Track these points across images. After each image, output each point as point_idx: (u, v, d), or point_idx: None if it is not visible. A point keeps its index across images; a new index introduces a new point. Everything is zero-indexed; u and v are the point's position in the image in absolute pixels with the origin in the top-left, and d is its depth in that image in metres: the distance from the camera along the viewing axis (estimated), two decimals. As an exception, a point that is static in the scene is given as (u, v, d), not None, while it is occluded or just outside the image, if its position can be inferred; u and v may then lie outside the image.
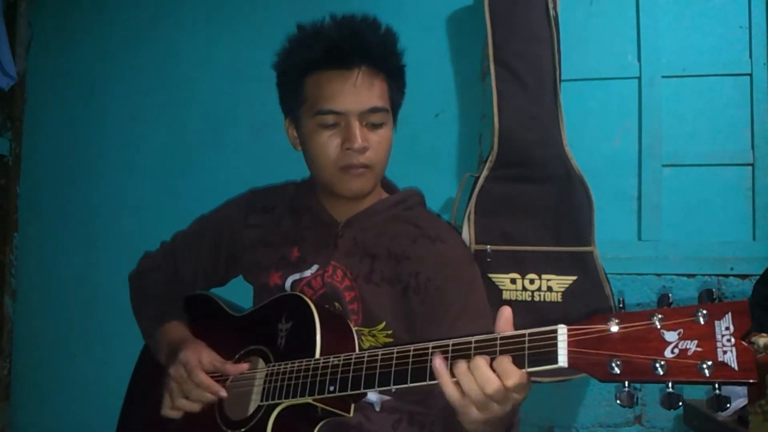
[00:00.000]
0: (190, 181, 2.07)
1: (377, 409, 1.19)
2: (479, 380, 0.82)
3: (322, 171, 1.21)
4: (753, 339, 1.32)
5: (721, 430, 1.44)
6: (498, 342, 0.83)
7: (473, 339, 0.85)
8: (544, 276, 1.66)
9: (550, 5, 1.71)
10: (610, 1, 1.90)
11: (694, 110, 1.85)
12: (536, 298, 1.65)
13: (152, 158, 2.11)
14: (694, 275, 1.80)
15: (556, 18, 1.73)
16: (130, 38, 2.15)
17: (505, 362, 0.81)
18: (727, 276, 1.79)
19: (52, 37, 2.21)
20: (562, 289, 1.65)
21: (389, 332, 1.20)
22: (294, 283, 1.25)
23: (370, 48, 1.18)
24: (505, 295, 1.66)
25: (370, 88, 1.17)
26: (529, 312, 1.64)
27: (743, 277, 1.78)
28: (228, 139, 2.07)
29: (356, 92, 1.16)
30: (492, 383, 0.82)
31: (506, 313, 0.87)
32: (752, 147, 1.82)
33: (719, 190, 1.83)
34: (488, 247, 1.68)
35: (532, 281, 1.66)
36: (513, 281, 1.67)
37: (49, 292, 2.15)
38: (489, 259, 1.67)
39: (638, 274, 1.82)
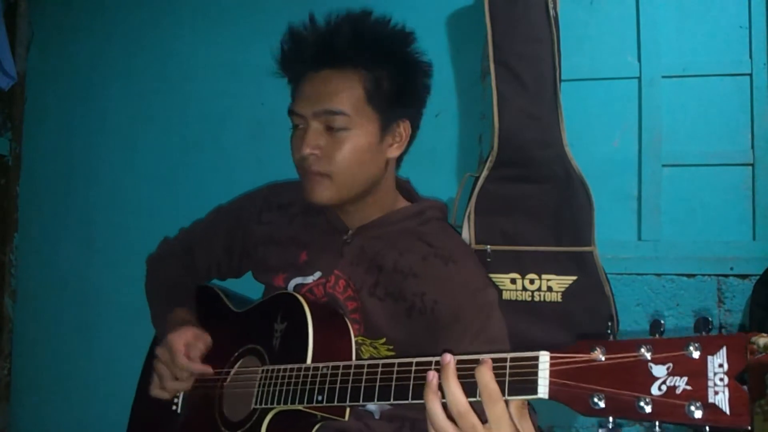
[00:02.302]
0: (189, 181, 2.07)
1: (376, 417, 1.18)
2: (448, 398, 0.76)
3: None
4: (753, 339, 1.32)
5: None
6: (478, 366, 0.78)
7: (456, 359, 0.80)
8: (544, 276, 1.66)
9: (550, 5, 1.71)
10: (610, 1, 1.90)
11: (694, 110, 1.84)
12: (536, 298, 1.65)
13: (152, 158, 2.11)
14: (693, 275, 1.80)
15: (556, 18, 1.73)
16: (130, 38, 2.15)
17: (485, 373, 0.74)
18: (727, 276, 1.79)
19: (52, 37, 2.21)
20: (562, 289, 1.65)
21: (390, 346, 1.18)
22: (297, 287, 1.23)
23: (339, 45, 1.12)
24: (505, 295, 1.66)
25: (332, 88, 1.12)
26: (529, 312, 1.64)
27: (743, 277, 1.78)
28: (228, 139, 2.07)
29: (317, 91, 1.13)
30: (459, 404, 0.75)
31: None
32: (752, 147, 1.81)
33: (719, 190, 1.83)
34: (488, 247, 1.68)
35: (532, 281, 1.66)
36: (513, 281, 1.67)
37: (49, 292, 2.15)
38: (489, 259, 1.67)
39: (638, 274, 1.82)
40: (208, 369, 1.17)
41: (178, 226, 1.48)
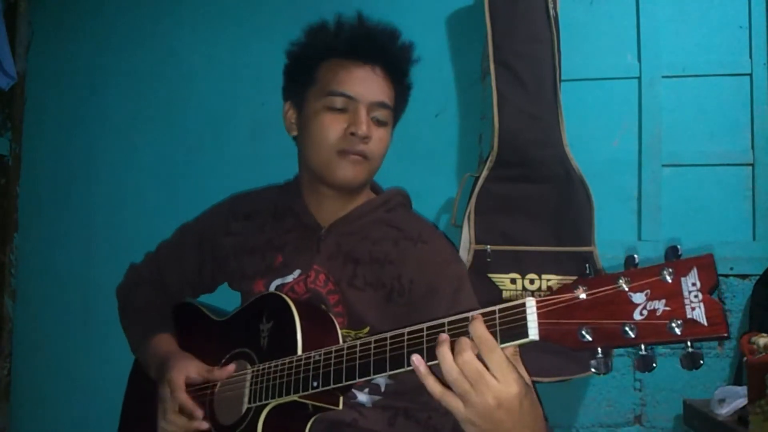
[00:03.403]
0: (189, 181, 2.07)
1: (368, 406, 1.19)
2: (448, 356, 0.81)
3: (318, 153, 1.20)
4: (753, 339, 1.32)
5: (721, 430, 1.44)
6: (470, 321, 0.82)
7: (446, 321, 0.85)
8: (544, 276, 1.66)
9: (550, 5, 1.71)
10: (610, 1, 1.90)
11: (694, 110, 1.85)
12: (536, 298, 1.65)
13: (152, 158, 2.11)
14: (694, 275, 1.80)
15: (556, 18, 1.73)
16: (130, 38, 2.15)
17: (477, 326, 0.79)
18: (727, 276, 1.79)
19: (52, 37, 2.21)
20: (562, 289, 1.65)
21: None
22: (278, 288, 1.25)
23: (389, 52, 1.22)
24: (505, 295, 1.66)
25: (383, 84, 1.21)
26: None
27: (743, 277, 1.78)
28: (227, 139, 2.07)
29: (370, 83, 1.19)
30: (468, 361, 0.79)
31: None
32: (752, 147, 1.82)
33: (719, 190, 1.83)
34: (488, 247, 1.68)
35: (532, 281, 1.66)
36: (513, 281, 1.67)
37: (49, 292, 2.15)
38: (489, 259, 1.67)
39: (638, 274, 1.82)
40: (199, 413, 1.12)
41: (177, 226, 1.48)
